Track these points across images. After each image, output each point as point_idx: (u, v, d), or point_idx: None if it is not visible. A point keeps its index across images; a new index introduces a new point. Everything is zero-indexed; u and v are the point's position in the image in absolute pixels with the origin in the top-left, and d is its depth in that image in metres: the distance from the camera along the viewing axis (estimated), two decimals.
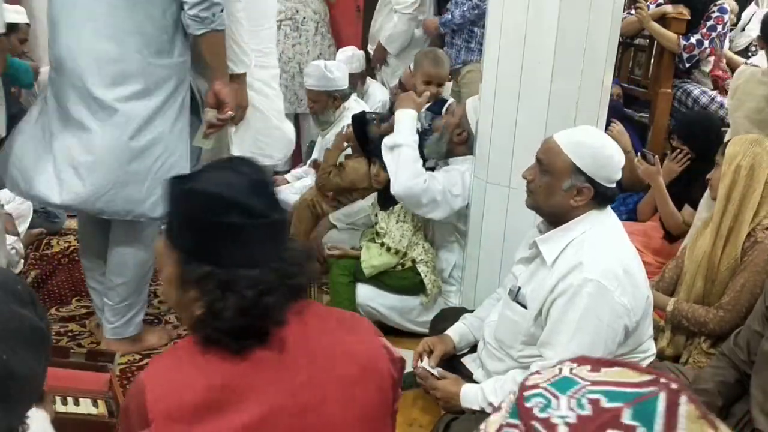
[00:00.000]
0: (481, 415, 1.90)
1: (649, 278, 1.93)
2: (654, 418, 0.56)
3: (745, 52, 4.56)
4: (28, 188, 2.34)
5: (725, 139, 2.93)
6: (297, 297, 1.18)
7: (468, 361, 2.17)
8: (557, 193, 1.82)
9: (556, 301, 1.79)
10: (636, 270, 1.82)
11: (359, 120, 3.18)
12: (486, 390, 1.91)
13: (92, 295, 2.67)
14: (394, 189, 2.58)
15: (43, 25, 4.69)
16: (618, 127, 3.30)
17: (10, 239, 3.04)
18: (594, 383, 0.60)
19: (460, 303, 2.73)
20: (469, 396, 1.94)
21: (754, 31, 4.57)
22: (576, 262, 1.77)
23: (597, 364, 0.63)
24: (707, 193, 2.57)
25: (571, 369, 0.63)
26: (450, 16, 4.17)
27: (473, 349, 2.20)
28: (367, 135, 3.16)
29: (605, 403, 0.58)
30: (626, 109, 4.33)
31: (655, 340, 2.11)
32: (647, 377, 0.60)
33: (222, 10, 2.27)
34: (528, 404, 0.61)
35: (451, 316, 2.43)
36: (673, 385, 0.59)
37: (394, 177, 2.58)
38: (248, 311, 1.10)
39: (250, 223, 1.13)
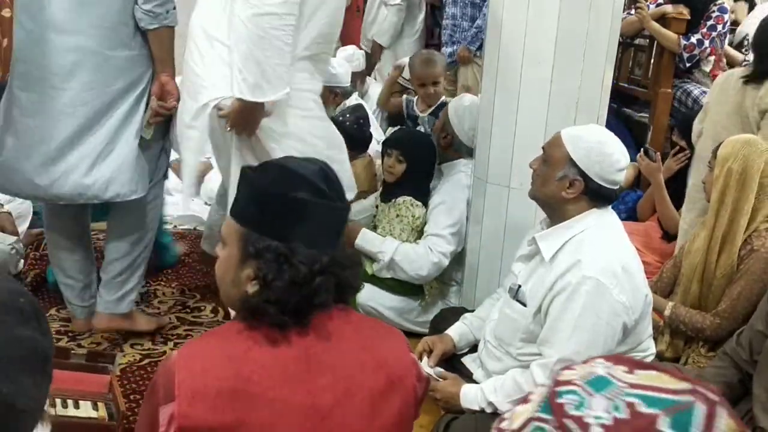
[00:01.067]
0: (482, 415, 1.90)
1: (648, 278, 1.94)
2: (690, 428, 0.55)
3: (739, 47, 4.56)
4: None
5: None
6: (344, 291, 1.23)
7: (468, 361, 2.17)
8: (551, 182, 1.86)
9: (555, 298, 1.79)
10: (635, 269, 1.82)
11: (339, 124, 3.19)
12: (486, 390, 1.91)
13: (67, 282, 2.66)
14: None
15: None
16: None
17: (10, 239, 3.03)
18: (631, 386, 0.59)
19: (460, 303, 2.73)
20: (469, 396, 1.94)
21: (746, 26, 4.57)
22: (575, 260, 1.78)
23: (632, 365, 0.62)
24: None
25: (606, 368, 0.62)
26: (476, 29, 4.22)
27: (473, 349, 2.20)
28: (354, 131, 3.18)
29: (642, 408, 0.56)
30: (626, 109, 4.33)
31: (655, 340, 2.11)
32: (685, 385, 0.59)
33: (174, 8, 2.32)
34: (561, 400, 0.59)
35: (451, 316, 2.43)
36: (712, 397, 0.58)
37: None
38: (299, 286, 1.16)
39: (316, 202, 1.19)
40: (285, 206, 1.18)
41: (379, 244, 2.76)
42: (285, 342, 1.16)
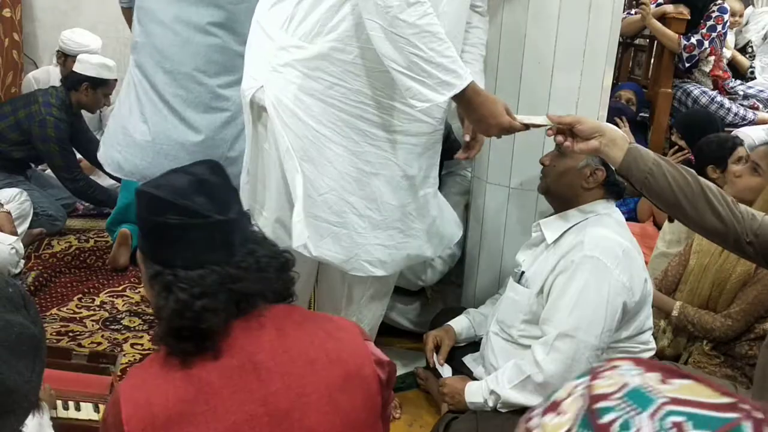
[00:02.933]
0: (482, 414, 1.91)
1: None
2: None
3: (742, 52, 4.57)
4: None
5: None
6: (245, 302, 1.16)
7: (469, 360, 2.18)
8: (571, 173, 1.90)
9: (558, 278, 1.84)
10: (635, 255, 1.87)
11: None
12: (489, 381, 1.93)
13: None
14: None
15: (43, 26, 4.72)
16: (625, 128, 3.31)
17: (10, 239, 3.04)
18: (673, 401, 0.55)
19: (460, 303, 2.73)
20: (473, 389, 1.96)
21: (750, 32, 4.57)
22: (577, 241, 1.84)
23: (665, 373, 0.59)
24: None
25: (639, 376, 0.58)
26: None
27: (474, 347, 2.20)
28: None
29: (690, 429, 0.53)
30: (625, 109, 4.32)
31: (655, 338, 2.11)
32: (726, 399, 0.56)
33: None
34: (603, 420, 0.55)
35: (451, 315, 2.43)
36: (757, 414, 0.55)
37: (419, 281, 2.69)
38: (182, 313, 1.11)
39: (188, 222, 1.13)
40: (161, 232, 1.15)
41: None
42: (226, 354, 1.12)
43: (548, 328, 1.83)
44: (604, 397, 0.57)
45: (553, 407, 0.60)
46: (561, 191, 1.94)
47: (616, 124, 3.36)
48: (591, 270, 1.78)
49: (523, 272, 1.99)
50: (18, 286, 1.06)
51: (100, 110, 4.00)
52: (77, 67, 3.63)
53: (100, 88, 3.66)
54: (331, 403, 1.15)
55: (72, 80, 3.63)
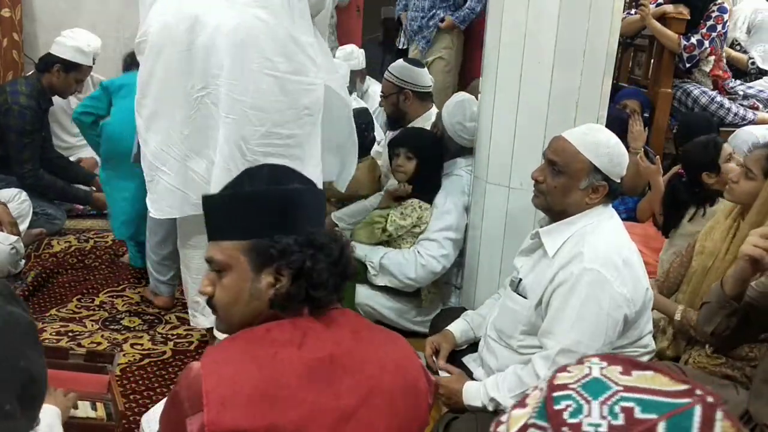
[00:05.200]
0: (482, 414, 1.90)
1: (649, 278, 1.93)
2: None
3: (731, 47, 4.56)
4: None
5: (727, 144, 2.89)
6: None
7: (468, 360, 2.17)
8: (574, 192, 1.85)
9: (557, 290, 1.81)
10: (636, 263, 1.85)
11: None
12: (488, 386, 1.92)
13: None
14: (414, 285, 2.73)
15: (43, 26, 4.72)
16: (639, 127, 3.27)
17: (10, 239, 3.04)
18: (627, 389, 0.58)
19: (459, 303, 2.73)
20: (471, 392, 1.95)
21: (734, 30, 4.56)
22: (576, 252, 1.81)
23: (629, 365, 0.61)
24: None
25: (601, 369, 0.61)
26: (468, 10, 4.46)
27: (473, 348, 2.20)
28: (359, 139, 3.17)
29: (639, 414, 0.55)
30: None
31: (655, 338, 2.10)
32: (682, 387, 0.58)
33: None
34: (557, 407, 0.58)
35: (451, 316, 2.43)
36: (709, 399, 0.57)
37: (406, 279, 2.69)
38: (336, 263, 1.21)
39: (307, 189, 1.27)
40: (287, 200, 1.23)
41: (368, 250, 2.76)
42: (310, 345, 1.17)
43: (549, 342, 1.80)
44: (562, 387, 0.60)
45: (521, 402, 0.62)
46: (563, 209, 1.88)
47: (625, 131, 3.33)
48: (591, 283, 1.75)
49: (520, 280, 1.96)
50: (3, 281, 1.07)
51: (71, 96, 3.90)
52: (53, 49, 3.55)
53: (73, 73, 3.54)
54: (392, 408, 1.21)
55: (45, 61, 3.55)
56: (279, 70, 2.11)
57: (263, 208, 1.22)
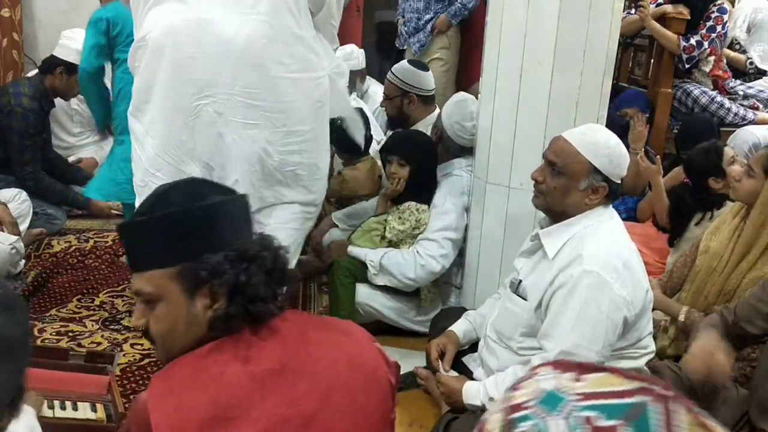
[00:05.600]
0: (482, 414, 1.90)
1: (649, 278, 1.94)
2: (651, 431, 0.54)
3: (730, 48, 4.56)
4: None
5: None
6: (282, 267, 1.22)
7: (468, 360, 2.18)
8: (573, 193, 1.85)
9: (557, 293, 1.81)
10: (636, 265, 1.84)
11: (337, 128, 3.21)
12: (488, 385, 1.92)
13: None
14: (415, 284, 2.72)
15: (43, 26, 4.72)
16: (641, 128, 3.27)
17: (10, 239, 3.04)
18: (582, 397, 0.57)
19: (459, 303, 2.73)
20: (471, 391, 1.95)
21: (737, 29, 4.56)
22: (576, 255, 1.80)
23: (578, 370, 0.60)
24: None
25: (554, 379, 0.60)
26: (459, 5, 4.49)
27: (473, 348, 2.20)
28: (353, 138, 3.17)
29: (600, 422, 0.55)
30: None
31: (655, 338, 2.10)
32: (634, 384, 0.58)
33: None
34: (518, 430, 0.57)
35: (451, 316, 2.43)
36: (662, 391, 0.57)
37: (406, 279, 2.68)
38: (272, 271, 1.17)
39: (228, 199, 1.21)
40: (211, 215, 1.16)
41: (368, 250, 2.76)
42: (256, 358, 1.13)
43: (548, 344, 1.80)
44: (519, 407, 0.58)
45: (480, 427, 0.61)
46: (563, 210, 1.88)
47: (626, 131, 3.33)
48: (591, 286, 1.75)
49: (520, 281, 1.96)
50: (7, 287, 1.04)
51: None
52: (57, 51, 3.55)
53: (75, 75, 3.49)
54: (354, 404, 1.17)
55: (48, 63, 3.55)
56: (291, 70, 2.14)
57: (185, 229, 1.15)
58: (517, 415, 0.58)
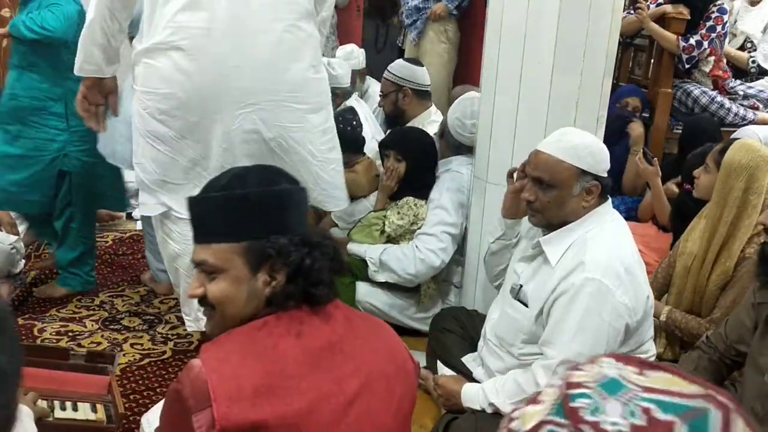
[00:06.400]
0: (482, 414, 1.90)
1: (649, 278, 1.94)
2: None
3: (741, 49, 4.56)
4: None
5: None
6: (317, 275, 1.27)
7: (468, 360, 2.17)
8: (569, 201, 1.84)
9: (558, 300, 1.79)
10: (637, 269, 1.83)
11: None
12: (487, 390, 1.91)
13: None
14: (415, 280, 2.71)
15: None
16: (640, 129, 3.29)
17: (10, 239, 3.04)
18: (645, 389, 0.58)
19: (459, 302, 2.73)
20: (470, 394, 1.95)
21: (746, 25, 4.56)
22: (578, 262, 1.79)
23: (641, 366, 0.61)
24: None
25: (617, 369, 0.61)
26: None
27: (473, 348, 2.20)
28: (347, 133, 3.18)
29: (658, 414, 0.56)
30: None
31: (654, 341, 2.10)
32: (698, 389, 0.58)
33: None
34: (574, 404, 0.58)
35: (451, 315, 2.44)
36: (725, 401, 0.57)
37: (406, 274, 2.67)
38: (331, 258, 1.24)
39: (295, 188, 1.29)
40: (278, 201, 1.24)
41: (367, 247, 2.77)
42: (308, 334, 1.19)
43: (550, 351, 1.79)
44: (579, 385, 0.59)
45: (534, 399, 0.62)
46: (563, 220, 1.86)
47: (624, 129, 3.34)
48: (593, 293, 1.74)
49: (521, 286, 1.95)
50: (2, 309, 1.00)
51: None
52: None
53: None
54: (389, 391, 1.24)
55: None
56: (318, 71, 2.21)
57: (258, 210, 1.22)
58: (575, 391, 0.59)
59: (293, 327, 1.19)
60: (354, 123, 3.25)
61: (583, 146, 1.83)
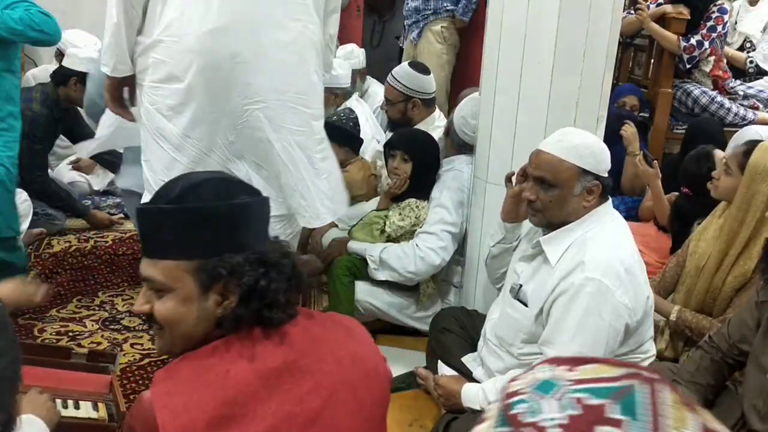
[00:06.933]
0: (482, 414, 1.90)
1: (649, 277, 1.93)
2: (638, 408, 0.58)
3: (740, 50, 4.56)
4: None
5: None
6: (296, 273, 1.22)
7: (468, 359, 2.17)
8: (570, 200, 1.83)
9: (558, 299, 1.79)
10: (637, 270, 1.83)
11: (332, 126, 3.22)
12: (487, 389, 1.91)
13: None
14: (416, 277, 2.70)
15: None
16: (632, 129, 3.30)
17: None
18: (575, 382, 0.61)
19: (459, 302, 2.73)
20: (470, 395, 1.95)
21: (745, 27, 4.56)
22: (578, 261, 1.78)
23: (572, 363, 0.64)
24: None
25: (549, 371, 0.64)
26: (465, 1, 4.57)
27: (473, 348, 2.20)
28: (349, 128, 3.19)
29: (590, 401, 0.59)
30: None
31: (654, 341, 2.10)
32: (623, 370, 0.62)
33: None
34: (514, 411, 0.61)
35: (450, 315, 2.44)
36: (649, 375, 0.61)
37: (406, 272, 2.66)
38: (290, 279, 1.17)
39: (255, 201, 1.19)
40: (234, 217, 1.15)
41: (367, 245, 2.77)
42: (261, 357, 1.12)
43: (550, 351, 1.79)
44: (516, 393, 0.63)
45: (480, 420, 0.65)
46: (564, 220, 1.86)
47: (618, 131, 3.34)
48: (593, 293, 1.74)
49: (520, 286, 1.95)
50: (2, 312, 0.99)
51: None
52: (66, 62, 3.55)
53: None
54: (356, 401, 1.18)
55: (60, 75, 3.54)
56: (319, 79, 2.21)
57: (212, 226, 1.13)
58: (513, 399, 0.62)
59: (245, 351, 1.12)
60: (351, 124, 3.25)
61: (585, 146, 1.83)
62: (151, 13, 2.06)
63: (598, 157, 1.84)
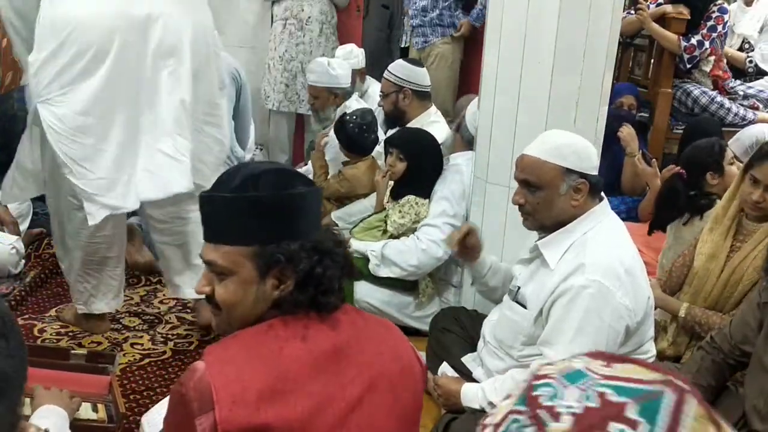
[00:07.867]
0: (481, 414, 1.90)
1: (649, 277, 1.93)
2: (658, 414, 0.57)
3: (739, 51, 4.57)
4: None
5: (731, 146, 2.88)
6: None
7: (468, 360, 2.17)
8: (557, 200, 1.83)
9: (558, 301, 1.79)
10: (637, 270, 1.83)
11: (341, 124, 3.27)
12: (486, 389, 1.91)
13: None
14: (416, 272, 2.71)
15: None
16: (629, 130, 3.30)
17: (10, 239, 3.04)
18: (605, 377, 0.61)
19: (458, 302, 2.73)
20: (469, 395, 1.95)
21: (743, 27, 4.57)
22: (578, 264, 1.78)
23: (610, 359, 0.64)
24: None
25: (585, 363, 0.63)
26: (480, 7, 4.48)
27: (473, 348, 2.20)
28: (354, 135, 3.20)
29: (612, 398, 0.58)
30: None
31: (655, 340, 2.10)
32: (658, 375, 0.61)
33: None
34: (536, 393, 0.61)
35: (450, 315, 2.44)
36: (682, 385, 0.60)
37: (409, 266, 2.67)
38: (341, 266, 1.23)
39: (309, 191, 1.25)
40: (293, 204, 1.21)
41: (369, 244, 2.78)
42: (313, 338, 1.18)
43: (549, 352, 1.79)
44: (544, 376, 0.63)
45: (509, 396, 0.65)
46: (555, 221, 1.86)
47: (615, 131, 3.34)
48: (593, 295, 1.73)
49: (519, 288, 1.94)
50: (5, 310, 0.98)
51: None
52: None
53: None
54: (394, 395, 1.23)
55: None
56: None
57: (270, 214, 1.20)
58: (539, 382, 0.62)
59: (299, 331, 1.18)
60: (365, 126, 3.26)
61: (566, 145, 1.83)
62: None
63: (581, 155, 1.83)
